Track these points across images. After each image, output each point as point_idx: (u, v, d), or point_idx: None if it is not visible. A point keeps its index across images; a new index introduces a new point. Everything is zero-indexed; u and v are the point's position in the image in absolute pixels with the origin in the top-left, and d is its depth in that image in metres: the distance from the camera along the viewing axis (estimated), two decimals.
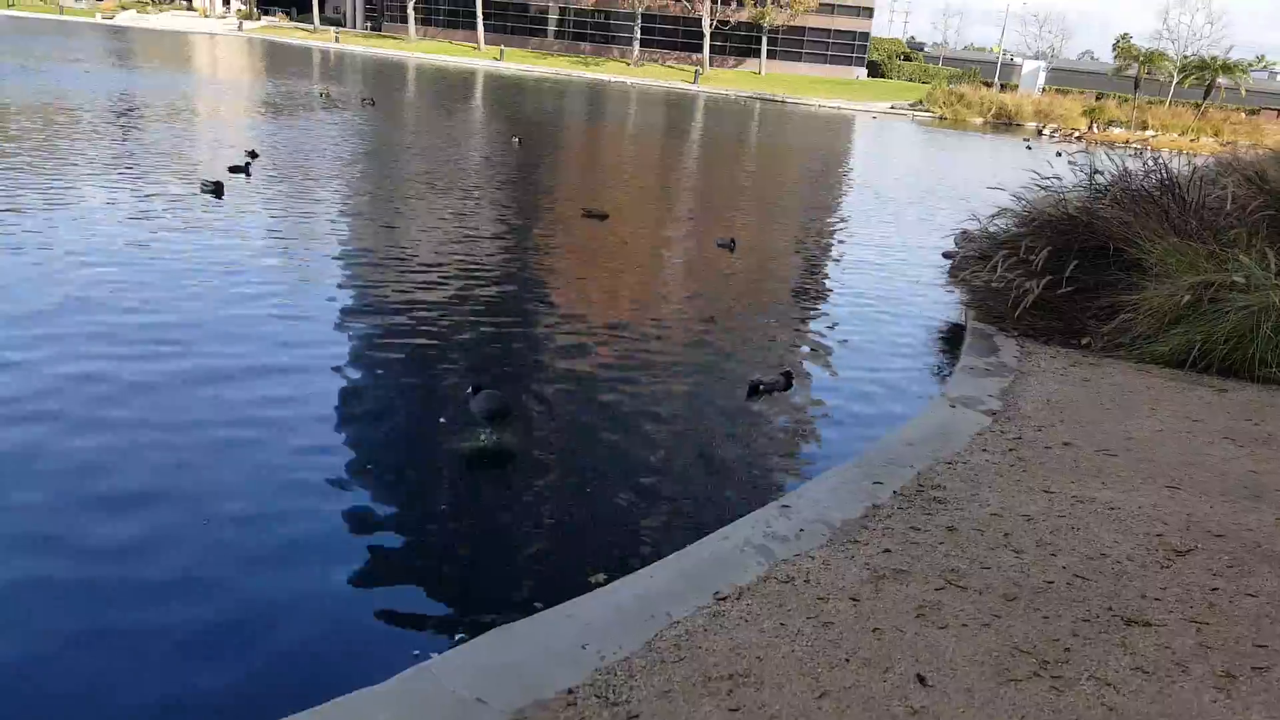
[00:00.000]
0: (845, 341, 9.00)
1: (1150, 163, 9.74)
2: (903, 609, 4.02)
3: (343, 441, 6.01)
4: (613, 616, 3.89)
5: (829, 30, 70.22)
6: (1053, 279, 8.37)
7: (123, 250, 9.67)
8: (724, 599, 4.05)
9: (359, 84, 38.67)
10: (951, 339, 9.32)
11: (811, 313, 10.09)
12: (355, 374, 7.18)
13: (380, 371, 7.32)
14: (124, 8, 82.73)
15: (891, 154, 33.78)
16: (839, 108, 53.69)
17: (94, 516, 4.89)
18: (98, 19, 75.02)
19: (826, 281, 11.70)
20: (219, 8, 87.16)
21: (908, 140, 39.35)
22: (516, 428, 6.34)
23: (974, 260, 9.85)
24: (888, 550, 4.54)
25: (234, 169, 14.41)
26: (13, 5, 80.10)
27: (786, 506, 4.91)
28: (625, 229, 13.97)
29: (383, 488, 5.48)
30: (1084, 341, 8.20)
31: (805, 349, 8.77)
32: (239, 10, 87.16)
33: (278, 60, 49.05)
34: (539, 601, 4.44)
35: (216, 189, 12.66)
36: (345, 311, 8.59)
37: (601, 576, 4.63)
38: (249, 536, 4.83)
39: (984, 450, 5.90)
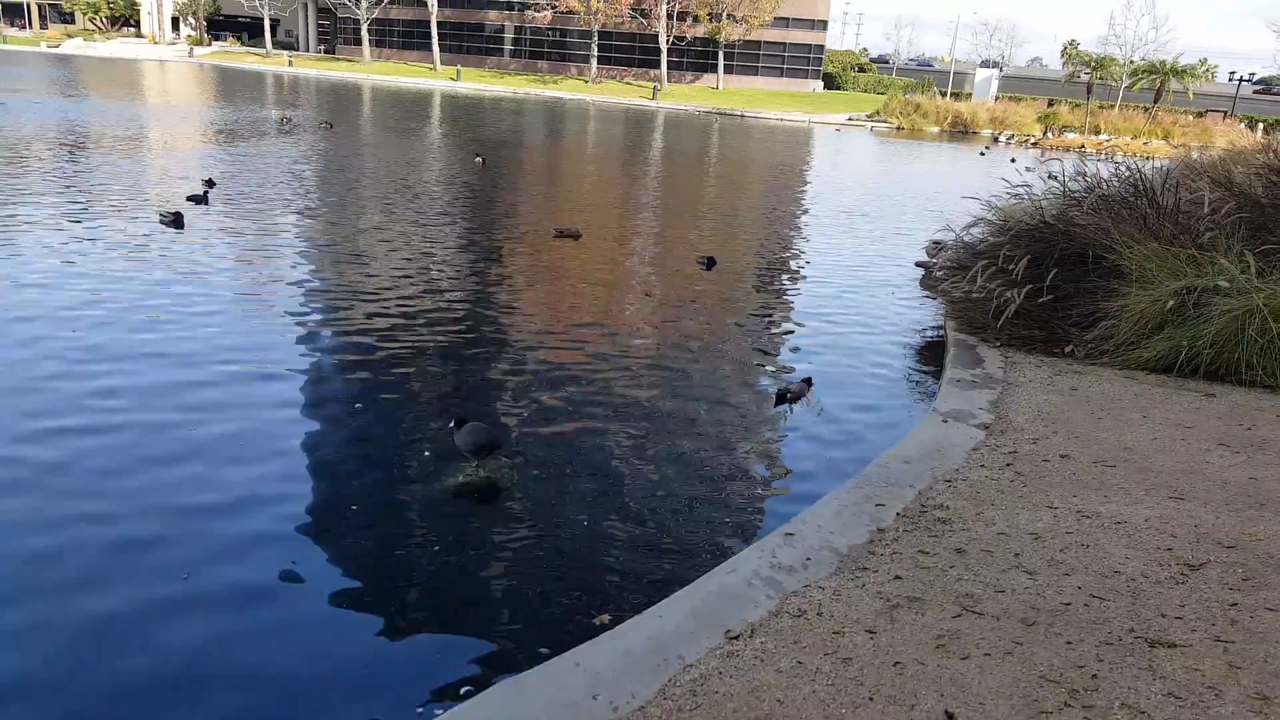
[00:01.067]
0: (827, 358, 8.90)
1: (1122, 168, 9.80)
2: (921, 639, 3.88)
3: (323, 483, 5.77)
4: (623, 663, 3.71)
5: (784, 44, 70.91)
6: (1033, 287, 8.35)
7: (80, 285, 9.32)
8: (736, 638, 3.89)
9: (316, 108, 38.23)
10: (933, 351, 9.27)
11: (790, 329, 9.99)
12: (332, 410, 6.93)
13: (358, 405, 7.08)
14: (70, 35, 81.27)
15: (853, 165, 34.05)
16: (798, 120, 54.15)
17: (52, 568, 4.60)
18: (42, 47, 73.67)
19: (801, 296, 11.62)
20: (169, 34, 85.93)
21: (868, 151, 39.74)
22: (504, 460, 6.13)
23: (952, 270, 9.84)
24: (899, 577, 4.41)
25: (192, 198, 14.04)
26: None
27: (790, 534, 4.76)
28: (599, 248, 13.82)
29: (368, 530, 5.25)
30: (1067, 350, 8.18)
31: (788, 367, 8.65)
32: (189, 36, 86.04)
33: (231, 86, 48.39)
34: (543, 647, 4.25)
35: (176, 220, 12.30)
36: (317, 344, 8.32)
37: (606, 618, 4.45)
38: (223, 587, 4.57)
39: (982, 466, 5.81)
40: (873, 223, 18.11)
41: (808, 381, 7.70)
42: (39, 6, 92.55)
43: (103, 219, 12.61)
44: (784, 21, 68.95)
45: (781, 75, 71.56)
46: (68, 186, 15.01)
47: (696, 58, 71.33)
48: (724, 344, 9.27)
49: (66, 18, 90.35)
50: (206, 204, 13.95)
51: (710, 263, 12.54)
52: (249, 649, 4.16)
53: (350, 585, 4.72)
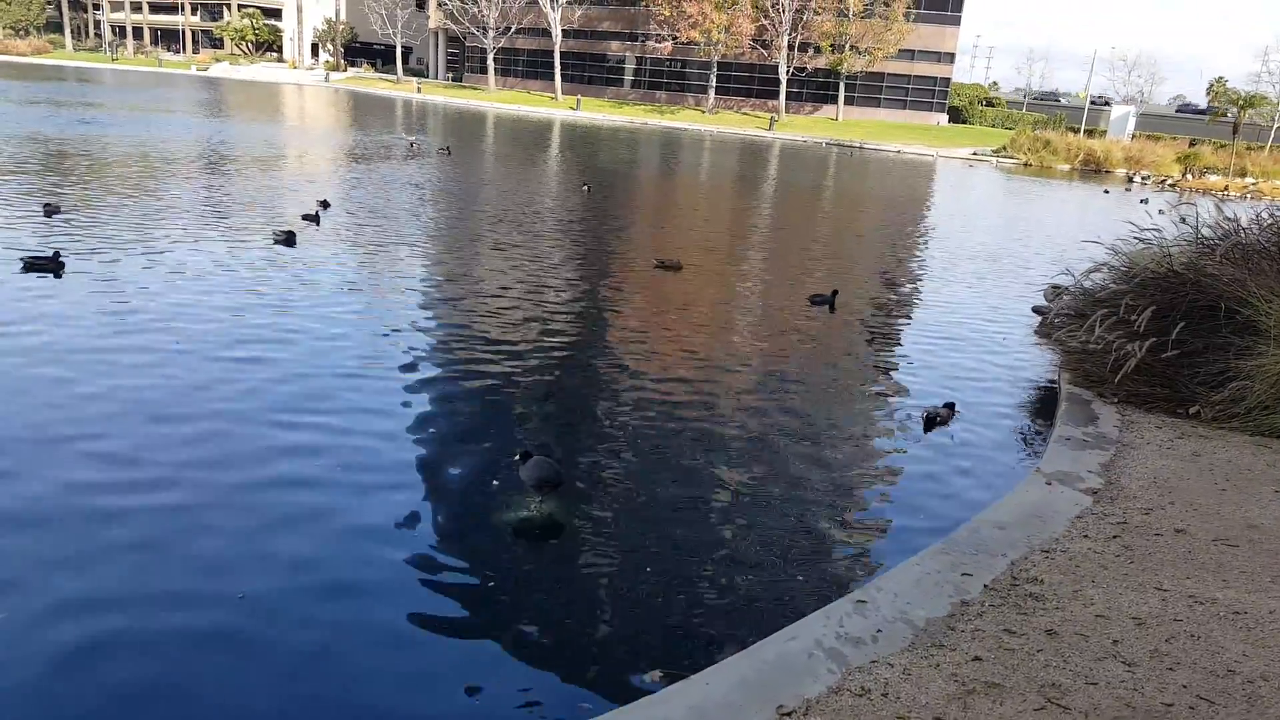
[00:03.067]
0: (927, 407, 8.39)
1: (1264, 214, 8.98)
2: None
3: (390, 504, 5.72)
4: None
5: (909, 76, 69.52)
6: (1157, 341, 7.69)
7: (184, 300, 9.73)
8: (789, 714, 3.59)
9: (438, 133, 39.57)
10: (1044, 404, 8.65)
11: (891, 374, 9.50)
12: (410, 430, 6.93)
13: (434, 429, 7.07)
14: (217, 60, 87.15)
15: (975, 202, 32.89)
16: (920, 154, 52.86)
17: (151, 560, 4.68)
18: (193, 70, 79.15)
19: (908, 338, 11.07)
20: (308, 60, 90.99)
21: (991, 187, 38.35)
22: (568, 498, 5.97)
23: (1069, 318, 9.20)
24: (978, 658, 4.01)
25: (306, 217, 14.60)
26: (115, 60, 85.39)
27: (862, 601, 4.41)
28: (700, 281, 13.63)
29: (424, 560, 5.16)
30: (1192, 411, 7.49)
31: (884, 414, 8.21)
32: (326, 62, 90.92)
33: (361, 110, 50.70)
34: (585, 702, 4.04)
35: (289, 238, 12.78)
36: (405, 364, 8.40)
37: (657, 674, 4.20)
38: (294, 617, 4.55)
39: (1085, 536, 5.31)
40: (991, 263, 17.32)
41: (950, 406, 7.90)
42: (192, 33, 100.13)
43: (222, 234, 13.22)
44: (909, 54, 67.67)
45: (904, 108, 70.14)
46: (198, 203, 15.86)
47: (816, 88, 70.70)
48: (818, 387, 8.90)
49: (216, 43, 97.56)
50: (318, 224, 14.46)
51: (831, 301, 11.95)
52: (275, 666, 4.10)
53: (397, 609, 4.63)
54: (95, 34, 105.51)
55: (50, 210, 13.51)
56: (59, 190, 15.85)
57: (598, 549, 5.44)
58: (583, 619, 4.71)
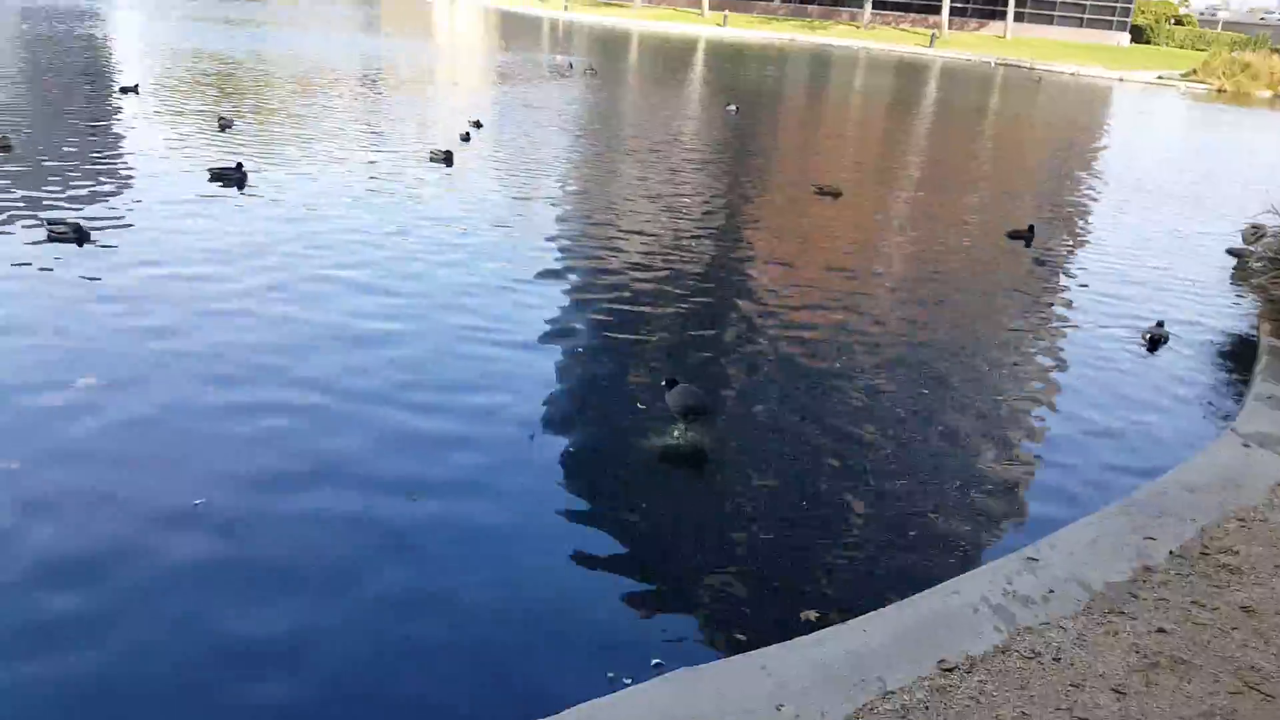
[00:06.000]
0: (1106, 355, 7.76)
1: None
2: (1183, 714, 3.22)
3: (534, 426, 5.76)
4: (814, 675, 3.35)
5: None
6: None
7: (355, 215, 10.07)
8: (951, 670, 3.41)
9: (583, 53, 39.25)
10: (1240, 358, 7.85)
11: (1066, 318, 8.82)
12: (559, 353, 6.96)
13: (582, 350, 7.08)
14: None
15: (1161, 130, 30.19)
16: (1096, 76, 48.73)
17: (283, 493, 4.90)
18: None
19: (1083, 282, 10.19)
20: None
21: (1178, 115, 35.03)
22: (714, 426, 5.86)
23: (1271, 262, 8.29)
24: (1163, 630, 3.70)
25: (462, 137, 14.80)
26: None
27: (1033, 559, 4.14)
28: (860, 209, 13.06)
29: (573, 479, 5.19)
30: None
31: (1056, 361, 7.65)
32: None
33: (510, 30, 50.82)
34: (737, 632, 3.97)
35: (447, 158, 13.02)
36: (553, 287, 8.44)
37: (813, 614, 4.08)
38: (438, 518, 4.67)
39: None
40: (1181, 200, 15.85)
41: (1160, 324, 8.02)
42: None
43: (382, 152, 13.58)
44: None
45: (1081, 25, 64.64)
46: (356, 121, 16.34)
47: (983, 3, 66.00)
48: (985, 330, 8.40)
49: None
50: (468, 142, 14.65)
51: (1028, 236, 11.28)
52: (444, 593, 4.20)
53: (546, 534, 4.67)
54: None
55: (224, 124, 14.19)
56: (231, 105, 16.62)
57: (746, 481, 5.33)
58: (733, 552, 4.63)
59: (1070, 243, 12.02)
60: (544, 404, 6.07)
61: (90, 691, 3.46)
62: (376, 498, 4.81)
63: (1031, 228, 11.39)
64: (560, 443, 5.61)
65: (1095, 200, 15.38)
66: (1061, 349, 7.89)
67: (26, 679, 3.48)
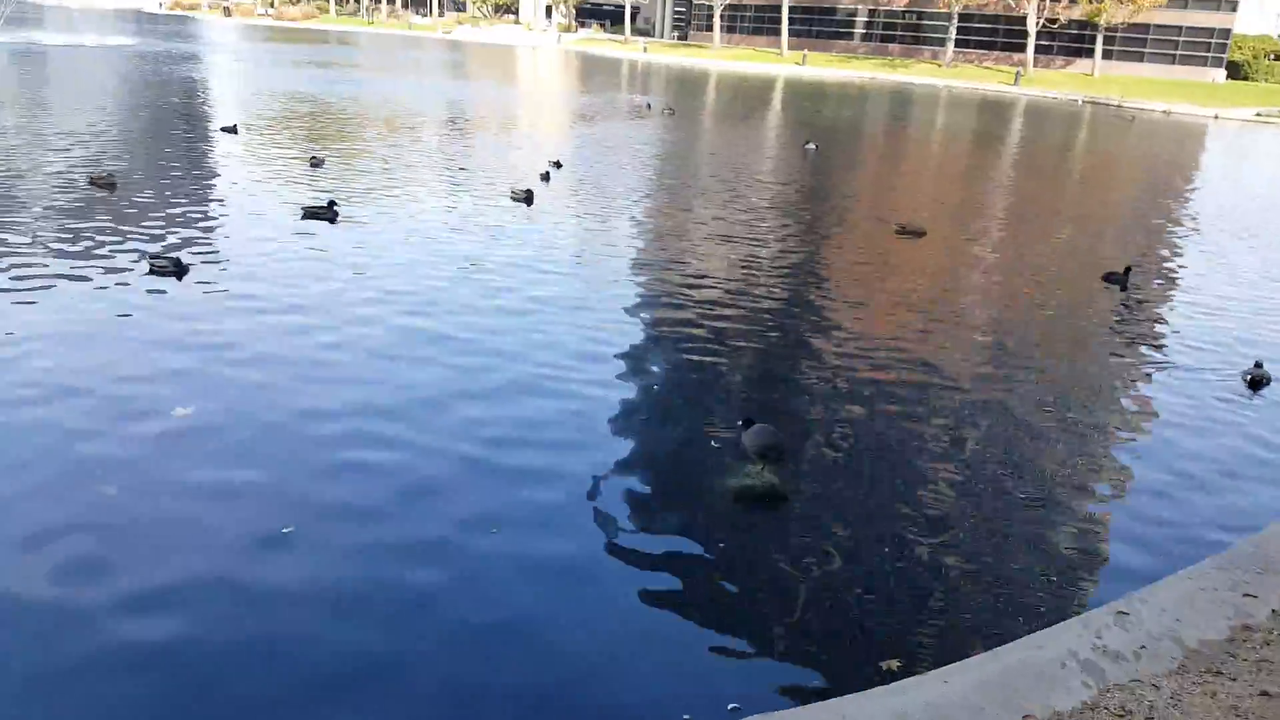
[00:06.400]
0: (1203, 399, 7.47)
1: None
2: None
3: (611, 461, 5.82)
4: None
5: (1179, 27, 62.10)
6: None
7: (440, 253, 10.37)
8: None
9: (662, 93, 39.81)
10: None
11: (1159, 360, 8.54)
12: (634, 389, 7.03)
13: (658, 388, 7.13)
14: (460, 22, 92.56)
15: (1259, 169, 29.04)
16: (1189, 113, 47.24)
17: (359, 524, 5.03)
18: (439, 33, 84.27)
19: (1177, 321, 9.86)
20: (542, 21, 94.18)
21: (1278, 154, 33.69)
22: (791, 467, 5.82)
23: None
24: (1266, 694, 3.52)
25: (543, 177, 15.13)
26: (371, 23, 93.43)
27: (1124, 613, 3.99)
28: (945, 248, 12.89)
29: (649, 517, 5.22)
30: None
31: (1150, 406, 7.39)
32: (559, 24, 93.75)
33: (590, 71, 51.88)
34: (815, 679, 3.92)
35: (528, 197, 13.31)
36: (631, 325, 8.53)
37: (894, 663, 4.00)
38: (517, 552, 4.73)
39: None
40: (1274, 245, 15.20)
41: (1259, 366, 7.83)
42: None
43: (466, 191, 13.99)
44: (1181, 1, 60.40)
45: (1173, 63, 62.84)
46: (441, 161, 16.87)
47: (1069, 41, 64.72)
48: (1074, 373, 8.15)
49: (460, 7, 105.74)
50: (549, 182, 14.96)
51: (1123, 280, 10.93)
52: (520, 625, 4.25)
53: (621, 572, 4.69)
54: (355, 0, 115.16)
55: (315, 163, 14.82)
56: (322, 145, 17.34)
57: (824, 523, 5.27)
58: (811, 597, 4.58)
59: (1164, 284, 11.63)
60: (620, 441, 6.12)
61: (182, 715, 3.59)
62: (457, 529, 4.91)
63: (1128, 270, 11.04)
64: (636, 480, 5.64)
65: (1190, 240, 14.85)
66: (1155, 393, 7.62)
67: (122, 701, 3.63)
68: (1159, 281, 11.76)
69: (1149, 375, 8.10)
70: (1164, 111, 47.60)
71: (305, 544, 4.68)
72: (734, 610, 4.47)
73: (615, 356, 7.60)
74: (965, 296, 10.67)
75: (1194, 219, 16.92)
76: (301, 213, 11.41)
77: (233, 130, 17.63)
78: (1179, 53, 62.96)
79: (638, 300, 9.29)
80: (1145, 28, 62.15)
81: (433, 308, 8.45)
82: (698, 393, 7.15)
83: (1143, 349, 8.87)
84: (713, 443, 6.16)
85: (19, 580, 4.25)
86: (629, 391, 6.96)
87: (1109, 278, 11.10)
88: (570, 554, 4.78)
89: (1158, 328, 9.65)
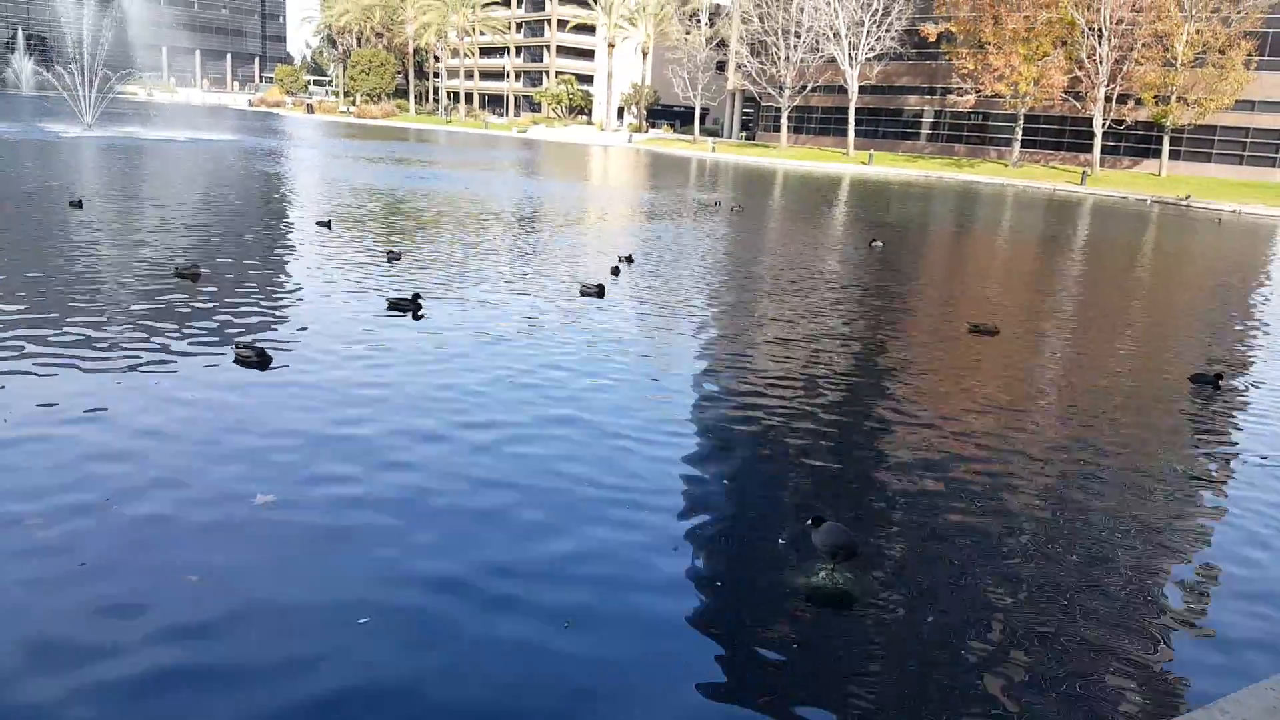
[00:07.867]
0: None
1: None
2: None
3: (676, 557, 5.82)
4: None
5: (1247, 129, 61.58)
6: None
7: (518, 343, 10.69)
8: None
9: (730, 190, 40.70)
10: None
11: (1246, 462, 8.29)
12: (702, 483, 7.08)
13: (727, 482, 7.17)
14: (535, 122, 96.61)
15: None
16: (1260, 214, 46.42)
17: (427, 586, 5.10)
18: (513, 132, 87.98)
19: (1265, 422, 9.61)
20: (614, 121, 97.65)
21: None
22: (862, 568, 5.75)
23: None
24: None
25: (613, 272, 15.53)
26: (449, 122, 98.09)
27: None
28: (1018, 347, 12.79)
29: (715, 612, 5.21)
30: None
31: (1237, 514, 7.15)
32: (630, 124, 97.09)
33: (659, 170, 53.40)
34: None
35: (599, 291, 13.64)
36: (698, 419, 8.63)
37: None
38: (587, 648, 4.75)
39: None
40: None
41: None
42: (515, 98, 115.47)
43: (539, 285, 14.44)
44: (1248, 104, 59.99)
45: (1241, 163, 62.10)
46: (515, 255, 17.46)
47: (1136, 141, 64.60)
48: (1158, 477, 7.91)
49: (535, 107, 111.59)
50: (619, 276, 15.34)
51: (1214, 381, 10.70)
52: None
53: (685, 670, 4.68)
54: (434, 99, 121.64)
55: (392, 257, 15.45)
56: (400, 239, 18.10)
57: (895, 627, 5.19)
58: (881, 705, 4.48)
59: (1246, 385, 11.31)
60: (686, 538, 6.14)
61: None
62: (531, 620, 4.96)
63: (1220, 375, 10.77)
64: (702, 575, 5.64)
65: (1259, 342, 14.46)
66: (1244, 499, 7.37)
67: None
68: (1241, 381, 11.44)
69: (1234, 479, 7.85)
70: (1233, 211, 46.84)
71: (383, 638, 4.76)
72: (799, 717, 4.39)
73: (682, 453, 7.66)
74: (1044, 394, 10.52)
75: (1275, 319, 16.48)
76: (386, 305, 11.86)
77: (326, 225, 18.51)
78: (1246, 154, 62.25)
79: (706, 394, 9.40)
80: (1212, 129, 61.82)
81: (510, 394, 8.71)
82: (766, 490, 7.16)
83: (1227, 451, 8.61)
84: (780, 540, 6.13)
85: (112, 668, 4.42)
86: (696, 486, 7.02)
87: (1197, 379, 10.85)
88: (629, 649, 4.82)
89: (1241, 428, 9.37)
